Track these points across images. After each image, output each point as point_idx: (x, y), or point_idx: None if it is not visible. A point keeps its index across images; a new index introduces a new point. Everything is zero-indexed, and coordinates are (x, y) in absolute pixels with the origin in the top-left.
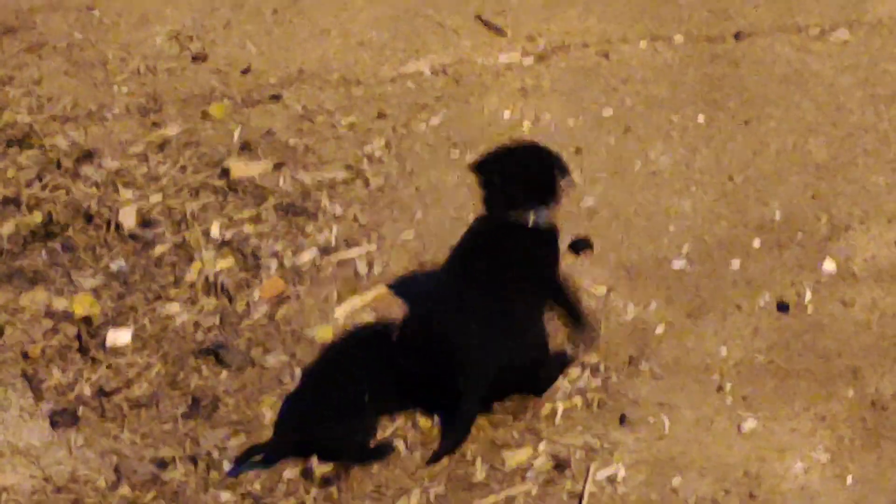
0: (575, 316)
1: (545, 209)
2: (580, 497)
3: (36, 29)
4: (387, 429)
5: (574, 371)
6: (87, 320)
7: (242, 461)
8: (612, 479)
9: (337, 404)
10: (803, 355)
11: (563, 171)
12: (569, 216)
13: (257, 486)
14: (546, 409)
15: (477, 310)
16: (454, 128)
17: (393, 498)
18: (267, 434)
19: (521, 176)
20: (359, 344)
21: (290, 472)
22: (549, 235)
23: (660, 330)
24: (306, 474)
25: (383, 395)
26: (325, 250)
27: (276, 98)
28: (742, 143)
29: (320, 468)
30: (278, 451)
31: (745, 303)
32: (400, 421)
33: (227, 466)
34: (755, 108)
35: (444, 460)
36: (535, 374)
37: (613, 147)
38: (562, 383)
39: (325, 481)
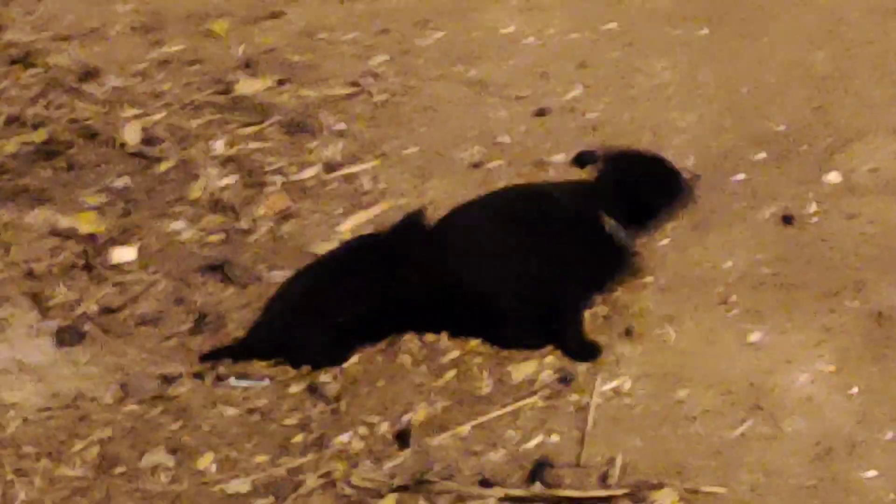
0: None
1: (632, 232)
2: (586, 409)
3: None
4: (393, 342)
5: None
6: (91, 238)
7: (209, 358)
8: (617, 392)
9: (315, 315)
10: (808, 267)
11: (677, 200)
12: (573, 130)
13: (263, 401)
14: None
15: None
16: (457, 43)
17: (399, 412)
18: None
19: (633, 190)
20: (354, 255)
21: (296, 386)
22: (617, 251)
23: (664, 243)
24: (312, 390)
25: (373, 312)
26: (329, 166)
27: (278, 14)
28: (745, 56)
29: (325, 382)
30: (246, 350)
31: (749, 215)
32: (406, 335)
33: (233, 382)
34: (757, 21)
35: (450, 373)
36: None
37: (617, 61)
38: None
39: (330, 396)
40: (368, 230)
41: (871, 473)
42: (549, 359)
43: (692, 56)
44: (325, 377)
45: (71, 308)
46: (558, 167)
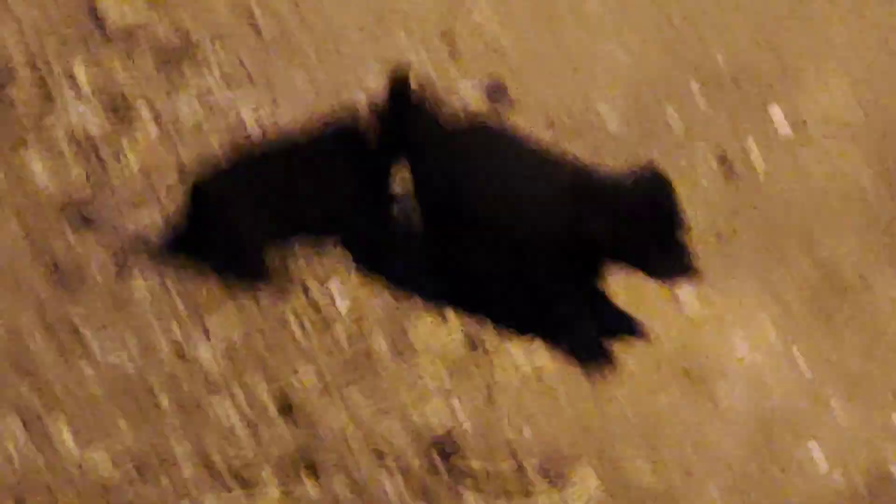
0: None
1: None
2: (495, 375)
3: None
4: (278, 304)
5: None
6: None
7: None
8: (530, 356)
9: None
10: (749, 219)
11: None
12: (483, 58)
13: (127, 362)
14: None
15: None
16: None
17: (282, 378)
18: (136, 312)
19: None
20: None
21: (166, 348)
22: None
23: None
24: (182, 353)
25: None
26: (208, 101)
27: None
28: None
29: (198, 343)
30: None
31: (684, 161)
32: (298, 301)
33: (95, 345)
34: None
35: (343, 337)
36: None
37: None
38: None
39: (203, 358)
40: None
41: (816, 451)
42: (453, 317)
43: None
44: (199, 338)
45: None
46: (465, 98)
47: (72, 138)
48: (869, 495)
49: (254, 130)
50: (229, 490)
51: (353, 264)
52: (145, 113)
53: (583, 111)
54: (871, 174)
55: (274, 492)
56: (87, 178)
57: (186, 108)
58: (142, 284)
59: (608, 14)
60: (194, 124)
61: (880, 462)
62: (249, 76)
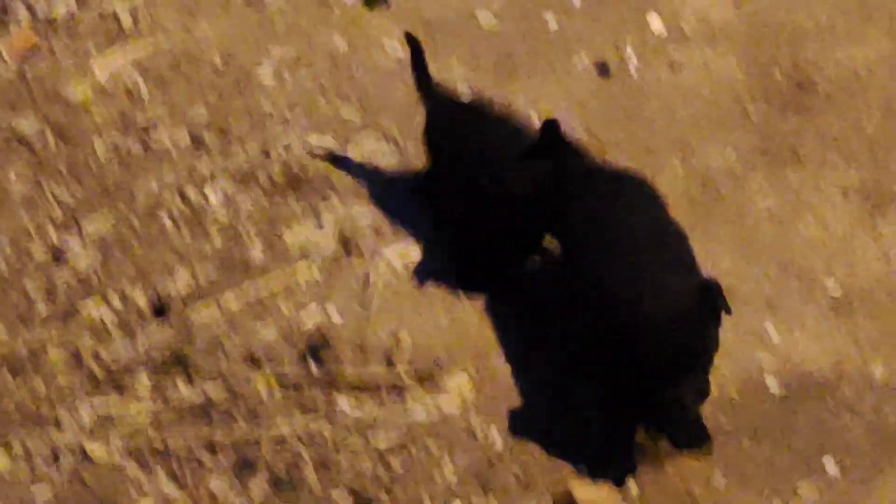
0: None
1: None
2: (370, 281)
3: None
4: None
5: (370, 145)
6: None
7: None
8: (407, 261)
9: None
10: (625, 125)
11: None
12: None
13: (1, 266)
14: (337, 178)
15: None
16: None
17: (157, 281)
18: (11, 214)
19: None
20: None
21: (39, 249)
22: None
23: (464, 91)
24: (57, 253)
25: None
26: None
27: None
28: None
29: (72, 246)
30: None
31: (560, 64)
32: (167, 195)
33: None
34: None
35: (216, 238)
36: None
37: None
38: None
39: (78, 261)
40: (128, 72)
41: None
42: (329, 220)
43: None
44: (73, 241)
45: None
46: (345, 5)
47: None
48: (741, 403)
49: (130, 31)
50: (103, 393)
51: (232, 167)
52: (21, 12)
53: (461, 15)
54: (745, 78)
55: (148, 395)
56: None
57: (61, 7)
58: (17, 185)
59: None
60: (70, 25)
61: (753, 370)
62: None
